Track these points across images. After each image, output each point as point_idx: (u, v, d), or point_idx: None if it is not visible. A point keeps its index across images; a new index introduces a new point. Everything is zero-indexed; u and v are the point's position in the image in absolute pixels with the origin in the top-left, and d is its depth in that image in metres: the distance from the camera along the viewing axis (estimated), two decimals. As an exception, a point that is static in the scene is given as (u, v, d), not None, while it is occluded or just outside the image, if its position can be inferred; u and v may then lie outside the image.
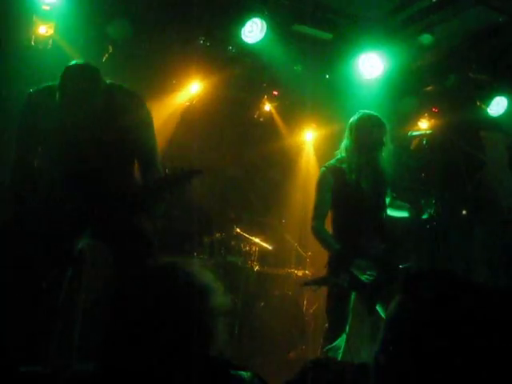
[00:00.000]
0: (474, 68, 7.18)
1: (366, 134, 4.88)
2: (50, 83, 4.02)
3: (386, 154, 4.94)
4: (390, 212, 5.12)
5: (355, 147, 4.90)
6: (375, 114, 4.95)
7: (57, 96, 3.81)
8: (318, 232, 4.94)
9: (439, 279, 1.51)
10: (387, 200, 5.07)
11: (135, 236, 4.00)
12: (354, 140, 4.91)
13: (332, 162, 5.00)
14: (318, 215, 4.94)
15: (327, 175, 4.93)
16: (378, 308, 4.57)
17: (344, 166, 4.91)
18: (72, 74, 3.83)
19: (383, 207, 5.01)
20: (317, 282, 5.55)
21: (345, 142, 4.98)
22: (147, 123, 4.11)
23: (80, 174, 3.87)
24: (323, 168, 5.01)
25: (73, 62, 3.93)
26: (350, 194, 4.85)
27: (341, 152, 5.01)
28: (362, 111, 4.99)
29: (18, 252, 3.67)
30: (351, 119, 4.99)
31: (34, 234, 3.70)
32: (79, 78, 3.83)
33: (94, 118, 3.88)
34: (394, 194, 5.12)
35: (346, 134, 4.99)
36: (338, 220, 4.95)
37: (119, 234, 3.89)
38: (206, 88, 7.65)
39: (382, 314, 4.53)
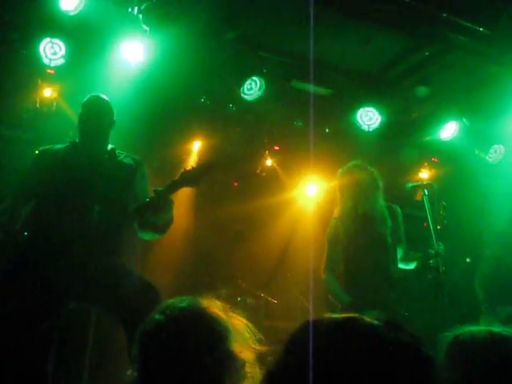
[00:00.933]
0: (469, 116, 7.30)
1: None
2: (57, 145, 4.42)
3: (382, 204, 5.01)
4: (402, 265, 5.14)
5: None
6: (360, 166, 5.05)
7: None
8: (327, 283, 4.97)
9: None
10: (396, 252, 5.10)
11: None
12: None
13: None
14: (328, 267, 4.99)
15: (337, 226, 5.03)
16: None
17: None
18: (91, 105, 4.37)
19: (385, 261, 5.03)
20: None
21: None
22: (146, 178, 4.42)
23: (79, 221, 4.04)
24: (333, 220, 5.08)
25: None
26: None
27: None
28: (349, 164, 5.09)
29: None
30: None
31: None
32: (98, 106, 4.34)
33: (101, 167, 4.25)
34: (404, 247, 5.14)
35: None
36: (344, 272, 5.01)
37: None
38: (208, 145, 7.76)
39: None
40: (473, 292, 7.31)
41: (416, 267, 5.03)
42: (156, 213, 4.07)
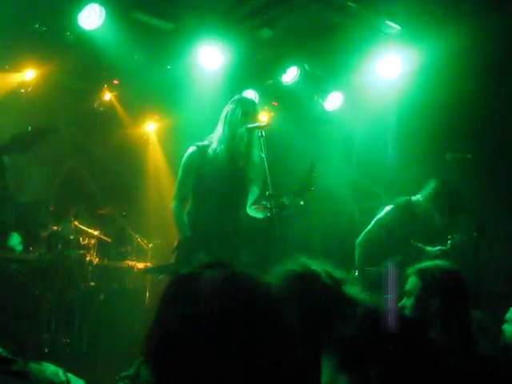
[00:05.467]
0: (311, 63, 7.41)
1: None
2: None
3: None
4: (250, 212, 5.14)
5: None
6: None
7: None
8: (175, 215, 4.90)
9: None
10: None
11: None
12: None
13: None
14: (179, 195, 4.96)
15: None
16: None
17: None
18: None
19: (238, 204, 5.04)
20: (158, 271, 5.50)
21: None
22: None
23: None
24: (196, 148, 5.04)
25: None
26: None
27: None
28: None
29: None
30: None
31: None
32: None
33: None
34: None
35: None
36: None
37: None
38: (42, 75, 7.32)
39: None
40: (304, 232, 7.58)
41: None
42: None
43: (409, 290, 3.21)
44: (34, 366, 1.85)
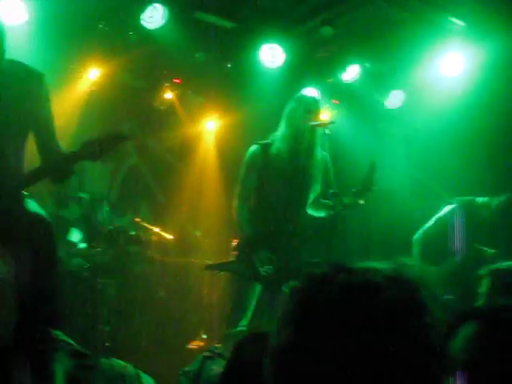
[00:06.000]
0: (372, 60, 7.35)
1: None
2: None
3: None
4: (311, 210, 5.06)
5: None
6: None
7: None
8: (237, 213, 4.87)
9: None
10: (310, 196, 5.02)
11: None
12: None
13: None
14: (243, 195, 4.89)
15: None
16: None
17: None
18: None
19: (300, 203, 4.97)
20: (219, 267, 5.53)
21: None
22: (46, 99, 3.94)
23: None
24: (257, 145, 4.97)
25: None
26: None
27: None
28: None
29: None
30: None
31: None
32: None
33: None
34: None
35: None
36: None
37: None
38: (106, 74, 7.46)
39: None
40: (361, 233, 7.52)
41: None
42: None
43: (483, 292, 3.13)
44: (104, 361, 1.90)
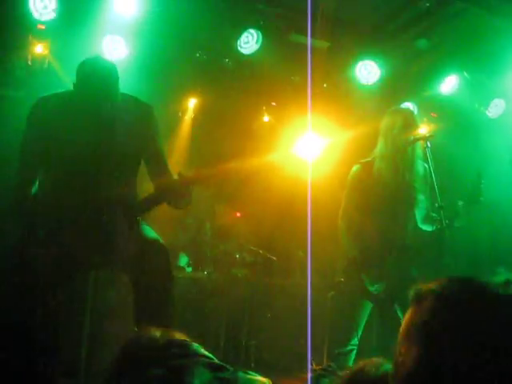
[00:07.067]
0: (471, 70, 7.20)
1: None
2: (58, 91, 3.97)
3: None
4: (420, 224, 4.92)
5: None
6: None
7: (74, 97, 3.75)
8: (342, 234, 4.84)
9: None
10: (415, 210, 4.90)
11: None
12: None
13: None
14: (347, 214, 4.84)
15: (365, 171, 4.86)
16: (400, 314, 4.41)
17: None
18: (95, 68, 3.73)
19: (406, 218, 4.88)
20: (327, 288, 5.51)
21: None
22: (158, 132, 4.08)
23: (94, 182, 3.77)
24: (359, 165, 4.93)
25: (90, 57, 3.86)
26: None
27: None
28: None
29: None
30: None
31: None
32: (104, 72, 3.74)
33: (111, 123, 3.79)
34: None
35: None
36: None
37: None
38: (205, 102, 7.64)
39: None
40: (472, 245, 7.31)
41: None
42: None
43: None
44: (241, 375, 1.93)
